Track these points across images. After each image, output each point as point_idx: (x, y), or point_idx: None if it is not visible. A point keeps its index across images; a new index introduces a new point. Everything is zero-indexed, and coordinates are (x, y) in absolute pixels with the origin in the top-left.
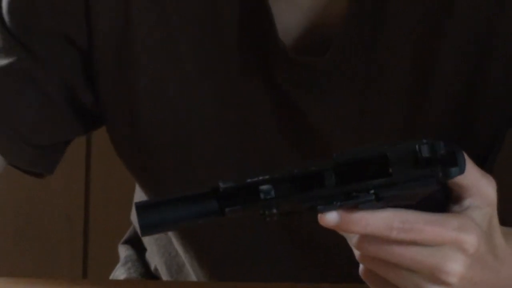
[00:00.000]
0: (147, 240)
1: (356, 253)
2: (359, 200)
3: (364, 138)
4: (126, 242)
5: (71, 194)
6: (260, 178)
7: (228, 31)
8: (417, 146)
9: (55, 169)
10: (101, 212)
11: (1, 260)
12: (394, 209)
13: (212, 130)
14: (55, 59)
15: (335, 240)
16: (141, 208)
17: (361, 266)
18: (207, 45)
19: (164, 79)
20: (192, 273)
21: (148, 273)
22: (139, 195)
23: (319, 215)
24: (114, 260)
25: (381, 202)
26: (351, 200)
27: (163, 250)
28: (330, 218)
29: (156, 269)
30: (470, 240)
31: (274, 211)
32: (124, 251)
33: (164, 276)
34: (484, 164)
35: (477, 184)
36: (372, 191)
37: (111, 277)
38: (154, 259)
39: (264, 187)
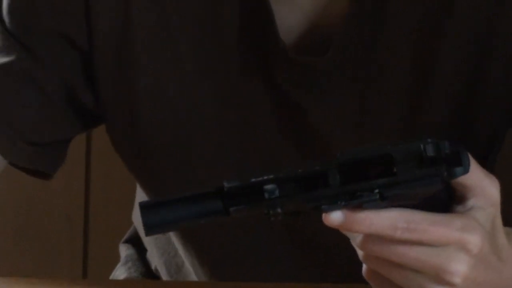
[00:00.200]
0: (147, 240)
1: (360, 253)
2: (364, 200)
3: (364, 138)
4: (127, 241)
5: (71, 194)
6: (265, 177)
7: (228, 31)
8: (422, 146)
9: (57, 169)
10: (101, 212)
11: (1, 260)
12: (399, 209)
13: (212, 130)
14: (55, 59)
15: (335, 240)
16: (145, 207)
17: (364, 266)
18: (207, 45)
19: (164, 79)
20: (192, 272)
21: (149, 273)
22: (140, 195)
23: (324, 215)
24: (114, 260)
25: (385, 201)
26: (355, 200)
27: (162, 251)
28: (335, 217)
29: (156, 269)
30: (474, 240)
31: (279, 210)
32: (124, 251)
33: (164, 277)
34: (484, 164)
35: (480, 184)
36: (376, 191)
37: (111, 277)
38: (154, 259)
39: (269, 186)
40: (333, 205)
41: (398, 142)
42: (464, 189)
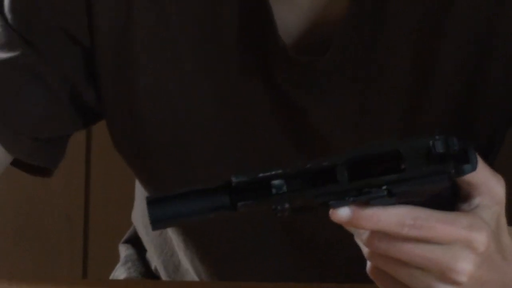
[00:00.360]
0: (146, 240)
1: (365, 250)
2: (371, 196)
3: (364, 138)
4: (127, 241)
5: (71, 194)
6: (273, 172)
7: (228, 31)
8: (430, 142)
9: (57, 164)
10: (101, 212)
11: (1, 260)
12: (406, 206)
13: (211, 129)
14: (57, 55)
15: (334, 240)
16: (152, 202)
17: (368, 264)
18: (206, 45)
19: (164, 79)
20: (190, 271)
21: (149, 273)
22: (139, 195)
23: (331, 211)
24: (114, 260)
25: (393, 198)
26: (363, 196)
27: (159, 250)
28: (342, 213)
29: (156, 269)
30: (481, 238)
31: (286, 205)
32: (124, 251)
33: (164, 276)
34: None
35: (486, 182)
36: (384, 187)
37: (111, 277)
38: (154, 259)
39: (276, 182)
40: (341, 201)
41: (407, 138)
42: (470, 187)
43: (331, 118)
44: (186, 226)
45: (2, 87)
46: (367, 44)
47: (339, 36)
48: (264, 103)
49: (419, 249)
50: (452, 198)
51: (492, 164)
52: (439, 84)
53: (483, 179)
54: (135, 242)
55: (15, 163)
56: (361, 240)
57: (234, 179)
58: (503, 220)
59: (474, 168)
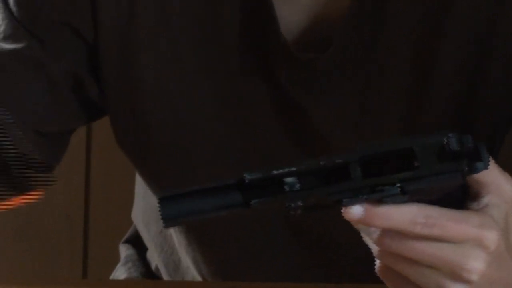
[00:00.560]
0: (147, 238)
1: (374, 248)
2: (385, 194)
3: (364, 138)
4: (127, 241)
5: (71, 194)
6: (286, 170)
7: (229, 30)
8: (445, 139)
9: (58, 161)
10: (101, 212)
11: (1, 260)
12: (418, 204)
13: (212, 129)
14: (61, 50)
15: (341, 241)
16: (164, 199)
17: (377, 263)
18: (207, 45)
19: (164, 79)
20: (191, 270)
21: (149, 273)
22: (140, 191)
23: (343, 209)
24: (114, 260)
25: (406, 196)
26: (376, 194)
27: (160, 249)
28: (355, 211)
29: (157, 268)
30: (492, 237)
31: (299, 203)
32: (124, 251)
33: (164, 275)
34: None
35: (496, 181)
36: (397, 185)
37: (111, 277)
38: (154, 258)
39: (289, 179)
40: (354, 198)
41: (420, 136)
42: (479, 186)
43: (331, 118)
44: (189, 226)
45: (6, 78)
46: (367, 43)
47: (340, 35)
48: (265, 103)
49: (430, 247)
50: (461, 197)
51: None
52: (439, 84)
53: (493, 177)
54: (136, 242)
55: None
56: (371, 239)
57: (247, 176)
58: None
59: (486, 166)
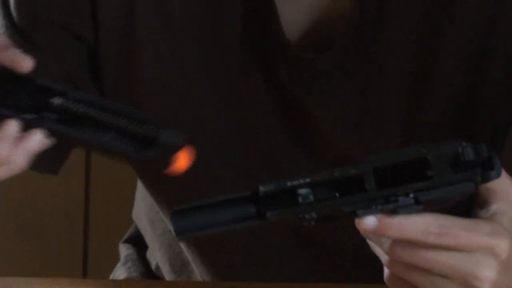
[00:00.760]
0: (149, 237)
1: (384, 258)
2: (399, 204)
3: (364, 138)
4: (127, 241)
5: (71, 194)
6: (301, 181)
7: (229, 30)
8: (460, 149)
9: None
10: (101, 212)
11: (1, 260)
12: (431, 214)
13: (213, 129)
14: (62, 50)
15: (346, 246)
16: (177, 213)
17: (386, 272)
18: (208, 44)
19: (165, 79)
20: (196, 272)
21: (149, 272)
22: (141, 192)
23: (357, 220)
24: (114, 259)
25: (420, 206)
26: (390, 204)
27: (166, 247)
28: (369, 222)
29: (157, 268)
30: (503, 245)
31: (313, 215)
32: (124, 250)
33: (167, 273)
34: None
35: (505, 189)
36: (411, 195)
37: (111, 277)
38: (156, 257)
39: (303, 190)
40: (369, 209)
41: (433, 145)
42: (488, 193)
43: (331, 118)
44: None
45: None
46: (367, 44)
47: (340, 35)
48: (265, 103)
49: (442, 256)
50: (470, 204)
51: None
52: (439, 84)
53: (502, 185)
54: (136, 241)
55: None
56: (381, 248)
57: (261, 188)
58: None
59: (499, 174)
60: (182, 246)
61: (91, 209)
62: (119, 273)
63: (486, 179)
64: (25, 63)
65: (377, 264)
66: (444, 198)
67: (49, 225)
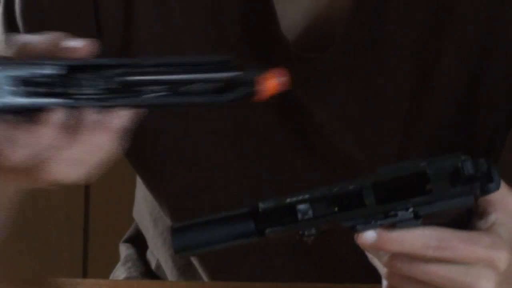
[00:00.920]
0: (151, 235)
1: (383, 270)
2: (398, 219)
3: (364, 138)
4: (127, 241)
5: (71, 194)
6: (300, 198)
7: (229, 30)
8: (460, 163)
9: None
10: (101, 212)
11: (1, 260)
12: (430, 227)
13: (211, 131)
14: None
15: (340, 248)
16: (176, 230)
17: (384, 284)
18: (208, 45)
19: None
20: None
21: (149, 272)
22: (141, 190)
23: (356, 234)
24: (115, 259)
25: (419, 220)
26: (390, 219)
27: (169, 243)
28: (368, 237)
29: (157, 267)
30: (502, 257)
31: (313, 231)
32: (124, 250)
33: (169, 269)
34: None
35: (504, 199)
36: (411, 209)
37: (111, 277)
38: (158, 254)
39: (302, 206)
40: (368, 225)
41: (432, 159)
42: (487, 204)
43: (331, 118)
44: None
45: None
46: (367, 43)
47: (340, 35)
48: (264, 103)
49: (442, 269)
50: (468, 215)
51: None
52: (439, 84)
53: (501, 195)
54: (136, 241)
55: None
56: (380, 261)
57: (261, 205)
58: None
59: (498, 187)
60: None
61: (91, 209)
62: (119, 273)
63: (485, 192)
64: (83, 47)
65: (371, 265)
66: (444, 212)
67: (49, 225)
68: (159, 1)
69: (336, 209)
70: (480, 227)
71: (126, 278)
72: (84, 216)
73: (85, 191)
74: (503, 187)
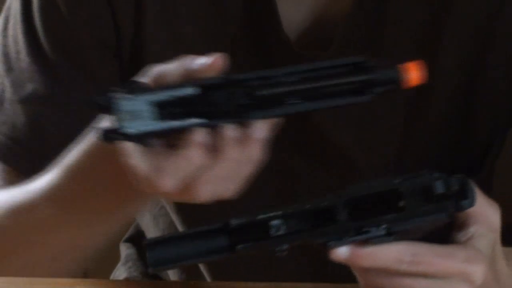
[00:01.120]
0: (151, 233)
1: (362, 282)
2: (371, 235)
3: (363, 138)
4: (127, 240)
5: None
6: (272, 214)
7: (231, 29)
8: (431, 182)
9: None
10: None
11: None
12: (404, 242)
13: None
14: (94, 70)
15: None
16: (151, 245)
17: None
18: (209, 44)
19: None
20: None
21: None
22: None
23: (329, 251)
24: (115, 259)
25: (392, 236)
26: (362, 235)
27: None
28: (341, 253)
29: None
30: (478, 271)
31: (285, 247)
32: (124, 250)
33: (171, 269)
34: (483, 165)
35: (483, 212)
36: (383, 226)
37: (111, 277)
38: None
39: (275, 222)
40: (340, 241)
41: (405, 176)
42: (466, 216)
43: (331, 118)
44: (189, 221)
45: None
46: (367, 43)
47: (341, 35)
48: None
49: (417, 283)
50: (447, 228)
51: (493, 165)
52: (439, 84)
53: (479, 208)
54: (136, 241)
55: None
56: (357, 274)
57: (233, 222)
58: (498, 246)
59: (472, 204)
60: None
61: None
62: (120, 273)
63: (459, 209)
64: (214, 63)
65: None
66: (417, 228)
67: None
68: (165, 1)
69: (309, 225)
70: (459, 240)
71: (127, 278)
72: None
73: None
74: (482, 199)
